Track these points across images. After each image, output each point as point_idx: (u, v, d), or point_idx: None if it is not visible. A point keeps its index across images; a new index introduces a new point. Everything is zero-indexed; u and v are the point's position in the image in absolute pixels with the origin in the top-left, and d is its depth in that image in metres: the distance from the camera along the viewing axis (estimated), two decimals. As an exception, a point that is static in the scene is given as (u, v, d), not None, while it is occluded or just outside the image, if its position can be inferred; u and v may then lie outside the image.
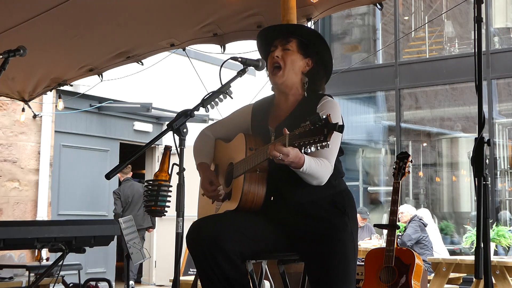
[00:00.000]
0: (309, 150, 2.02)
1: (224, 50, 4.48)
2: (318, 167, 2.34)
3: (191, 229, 2.41)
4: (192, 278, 4.96)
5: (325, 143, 1.97)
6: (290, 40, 2.60)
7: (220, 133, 2.81)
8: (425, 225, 7.61)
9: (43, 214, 8.06)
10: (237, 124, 2.75)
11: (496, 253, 8.34)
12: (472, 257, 5.66)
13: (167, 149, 3.22)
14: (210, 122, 5.35)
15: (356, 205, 2.62)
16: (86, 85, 7.33)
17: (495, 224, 7.61)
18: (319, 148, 1.99)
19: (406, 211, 7.82)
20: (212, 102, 2.42)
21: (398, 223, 8.29)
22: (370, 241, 8.10)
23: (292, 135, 2.07)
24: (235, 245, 2.35)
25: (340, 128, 1.96)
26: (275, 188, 2.52)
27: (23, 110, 7.18)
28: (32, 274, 5.13)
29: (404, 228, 7.76)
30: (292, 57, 2.58)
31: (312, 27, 3.89)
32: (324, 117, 1.97)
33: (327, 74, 2.68)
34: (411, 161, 4.25)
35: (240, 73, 2.52)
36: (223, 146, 2.77)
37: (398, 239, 7.59)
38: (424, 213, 8.13)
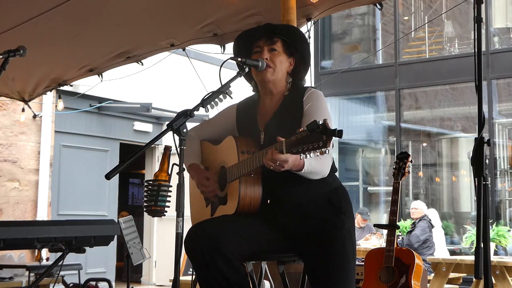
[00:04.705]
0: (308, 156, 2.01)
1: (224, 50, 4.48)
2: (319, 161, 2.34)
3: (189, 234, 2.40)
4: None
5: (325, 149, 1.97)
6: (275, 40, 2.58)
7: (205, 134, 2.78)
8: (432, 226, 7.62)
9: (43, 214, 8.06)
10: (222, 125, 2.73)
11: (496, 253, 8.33)
12: (472, 257, 5.65)
13: (167, 149, 3.22)
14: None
15: (351, 201, 2.60)
16: (86, 85, 7.32)
17: (495, 224, 7.62)
18: (318, 154, 1.99)
19: (420, 207, 7.79)
20: (212, 102, 2.41)
21: (403, 222, 8.37)
22: (370, 240, 8.10)
23: (289, 141, 2.06)
24: (234, 247, 2.34)
25: (340, 133, 1.95)
26: (270, 190, 2.51)
27: (23, 110, 7.17)
28: (32, 274, 5.12)
29: (410, 226, 7.75)
30: (280, 58, 2.56)
31: (312, 27, 3.90)
32: (321, 123, 1.96)
33: (305, 71, 2.69)
34: (411, 161, 4.25)
35: (240, 73, 2.52)
36: (212, 149, 2.73)
37: (399, 239, 7.59)
38: (433, 214, 8.14)
